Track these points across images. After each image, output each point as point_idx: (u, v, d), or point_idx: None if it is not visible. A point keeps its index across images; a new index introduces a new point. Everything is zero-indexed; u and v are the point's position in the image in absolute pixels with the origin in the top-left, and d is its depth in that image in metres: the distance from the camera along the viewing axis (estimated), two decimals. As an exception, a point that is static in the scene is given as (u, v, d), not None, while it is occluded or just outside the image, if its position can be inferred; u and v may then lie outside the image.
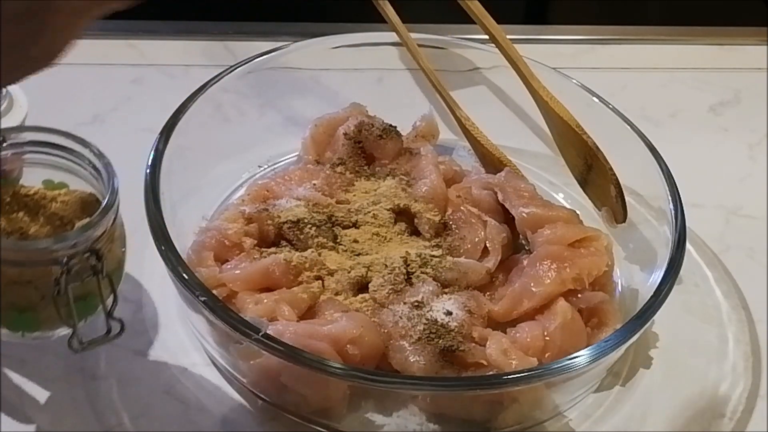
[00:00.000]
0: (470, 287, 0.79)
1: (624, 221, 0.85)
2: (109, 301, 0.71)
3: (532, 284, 0.78)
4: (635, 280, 0.83)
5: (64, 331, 0.72)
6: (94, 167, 0.73)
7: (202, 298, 0.71)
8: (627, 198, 0.85)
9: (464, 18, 0.94)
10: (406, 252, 0.80)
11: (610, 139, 0.86)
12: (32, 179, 0.75)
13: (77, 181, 0.75)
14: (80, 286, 0.70)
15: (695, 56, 1.11)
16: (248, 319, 0.70)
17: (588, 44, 1.11)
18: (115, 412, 0.74)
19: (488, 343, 0.74)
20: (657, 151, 0.85)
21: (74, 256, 0.69)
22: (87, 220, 0.71)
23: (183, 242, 0.78)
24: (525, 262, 0.80)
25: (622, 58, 1.10)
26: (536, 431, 0.76)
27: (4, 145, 0.73)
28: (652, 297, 0.75)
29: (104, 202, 0.71)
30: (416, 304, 0.76)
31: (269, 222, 0.81)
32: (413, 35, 0.96)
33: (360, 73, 0.97)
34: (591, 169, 0.86)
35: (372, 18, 0.99)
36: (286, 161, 0.91)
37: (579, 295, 0.78)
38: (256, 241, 0.80)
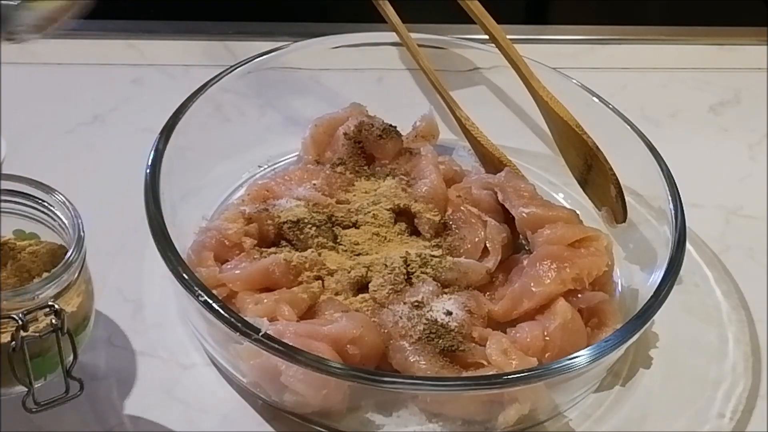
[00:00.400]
0: (470, 287, 0.79)
1: (624, 221, 0.85)
2: (70, 359, 0.67)
3: (532, 284, 0.78)
4: (635, 280, 0.83)
5: (24, 389, 0.67)
6: (61, 218, 0.69)
7: (202, 298, 0.71)
8: (627, 198, 0.85)
9: (464, 18, 0.94)
10: (406, 252, 0.80)
11: (610, 139, 0.86)
12: (4, 228, 0.71)
13: (48, 232, 0.71)
14: (39, 343, 0.66)
15: (695, 56, 1.11)
16: (248, 319, 0.70)
17: (588, 44, 1.11)
18: (115, 412, 0.74)
19: (488, 343, 0.74)
20: (657, 151, 0.85)
21: (31, 311, 0.64)
22: (47, 273, 0.66)
23: (183, 242, 0.78)
24: (525, 262, 0.80)
25: (622, 58, 1.10)
26: (536, 431, 0.76)
27: None
28: (652, 297, 0.75)
29: (67, 256, 0.66)
30: (416, 304, 0.76)
31: (269, 222, 0.81)
32: (413, 35, 0.96)
33: (360, 73, 0.97)
34: (591, 169, 0.86)
35: (372, 18, 0.99)
36: (286, 161, 0.91)
37: (579, 295, 0.78)
38: (256, 241, 0.80)
